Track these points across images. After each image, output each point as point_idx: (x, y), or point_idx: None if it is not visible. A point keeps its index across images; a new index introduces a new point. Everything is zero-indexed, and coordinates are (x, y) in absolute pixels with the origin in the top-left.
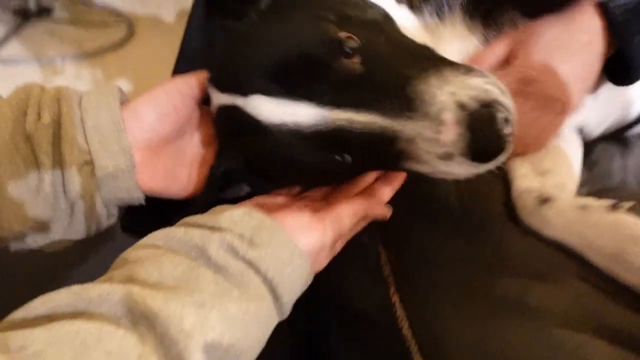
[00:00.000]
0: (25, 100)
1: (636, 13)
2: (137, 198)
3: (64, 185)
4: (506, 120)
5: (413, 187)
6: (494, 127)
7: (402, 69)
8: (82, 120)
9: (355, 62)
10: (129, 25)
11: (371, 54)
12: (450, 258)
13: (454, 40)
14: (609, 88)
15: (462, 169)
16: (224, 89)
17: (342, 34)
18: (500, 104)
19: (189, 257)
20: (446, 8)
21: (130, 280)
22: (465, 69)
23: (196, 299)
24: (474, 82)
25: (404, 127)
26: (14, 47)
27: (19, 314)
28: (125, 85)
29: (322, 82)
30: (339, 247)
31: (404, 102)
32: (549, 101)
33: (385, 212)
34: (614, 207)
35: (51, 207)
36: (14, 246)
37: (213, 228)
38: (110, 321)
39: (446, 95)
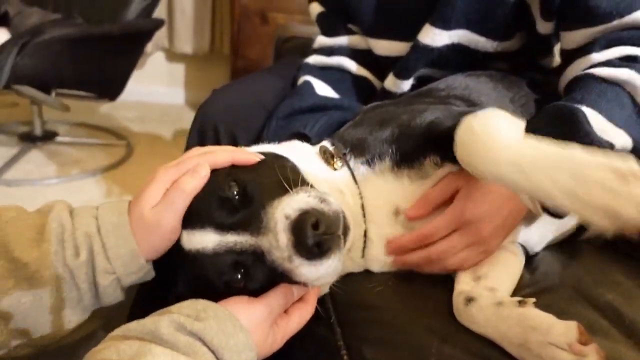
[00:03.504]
0: (61, 234)
1: None
2: (151, 277)
3: (98, 298)
4: (317, 222)
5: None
6: (305, 227)
7: (263, 200)
8: (106, 255)
9: (235, 199)
10: (129, 144)
11: (249, 192)
12: None
13: (383, 187)
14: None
15: (307, 268)
16: None
17: (228, 181)
18: (316, 209)
19: (143, 339)
20: (377, 160)
21: None
22: (299, 190)
23: None
24: (299, 198)
25: (262, 241)
26: (19, 169)
27: None
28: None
29: (218, 216)
30: (290, 329)
31: (260, 223)
32: (478, 242)
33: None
34: (521, 303)
35: (90, 309)
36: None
37: (162, 313)
38: None
39: (279, 212)
